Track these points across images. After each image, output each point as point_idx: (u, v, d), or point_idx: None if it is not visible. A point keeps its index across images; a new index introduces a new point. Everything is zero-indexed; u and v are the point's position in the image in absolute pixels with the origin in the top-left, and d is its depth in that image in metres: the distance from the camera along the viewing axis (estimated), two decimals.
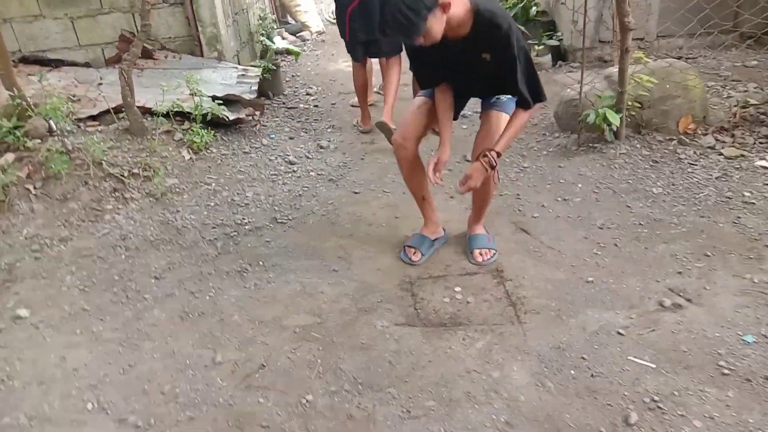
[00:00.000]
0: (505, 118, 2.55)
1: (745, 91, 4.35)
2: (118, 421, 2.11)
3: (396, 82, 4.46)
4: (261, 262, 2.96)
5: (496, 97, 2.65)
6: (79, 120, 4.26)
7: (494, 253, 2.89)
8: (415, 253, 2.93)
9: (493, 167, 2.54)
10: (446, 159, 2.67)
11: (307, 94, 5.78)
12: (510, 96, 2.59)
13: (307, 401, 2.14)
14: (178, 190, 3.71)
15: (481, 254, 2.88)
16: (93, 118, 4.35)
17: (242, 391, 2.20)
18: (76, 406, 2.18)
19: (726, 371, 2.14)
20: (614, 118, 3.60)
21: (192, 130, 4.13)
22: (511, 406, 2.06)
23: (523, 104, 2.48)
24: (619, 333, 2.35)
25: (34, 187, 3.56)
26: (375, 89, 5.36)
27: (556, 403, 2.06)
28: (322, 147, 4.42)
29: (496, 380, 2.17)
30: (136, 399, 2.20)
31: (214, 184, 3.79)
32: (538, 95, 2.46)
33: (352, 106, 5.21)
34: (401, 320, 2.51)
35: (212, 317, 2.60)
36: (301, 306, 2.63)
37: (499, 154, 2.51)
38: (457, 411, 2.06)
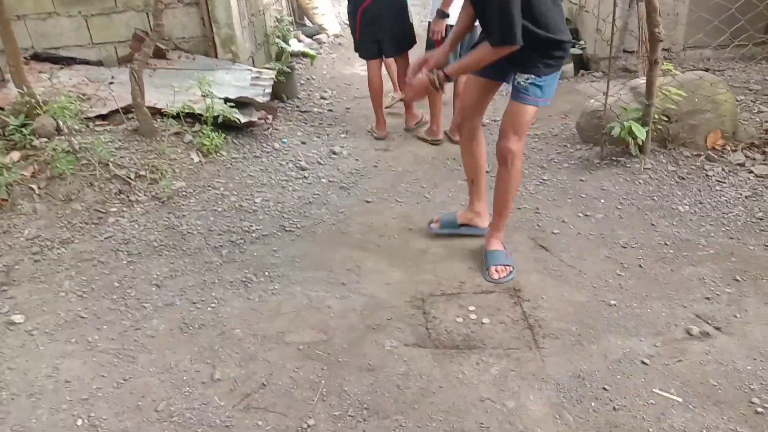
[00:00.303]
0: (522, 108, 2.57)
1: None
2: None
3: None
4: (267, 272, 2.84)
5: (518, 82, 2.55)
6: (88, 119, 4.18)
7: (511, 270, 2.75)
8: (436, 221, 3.11)
9: (435, 86, 2.55)
10: (439, 60, 2.64)
11: (322, 98, 5.67)
12: (532, 83, 2.51)
13: (308, 426, 2.01)
14: (185, 193, 3.60)
15: (497, 271, 2.74)
16: (102, 117, 4.27)
17: (240, 412, 2.08)
18: (65, 421, 2.07)
19: (760, 410, 1.98)
20: (640, 132, 3.45)
21: (202, 133, 4.04)
22: None
23: (489, 38, 2.38)
24: (643, 362, 2.20)
25: (39, 187, 3.47)
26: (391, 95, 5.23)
27: None
28: (334, 153, 4.30)
29: (512, 410, 2.03)
30: (129, 416, 2.08)
31: (222, 189, 3.68)
32: (509, 37, 2.31)
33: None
34: (411, 340, 2.37)
35: (213, 330, 2.48)
36: (307, 321, 2.51)
37: (447, 77, 2.53)
38: None
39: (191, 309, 2.61)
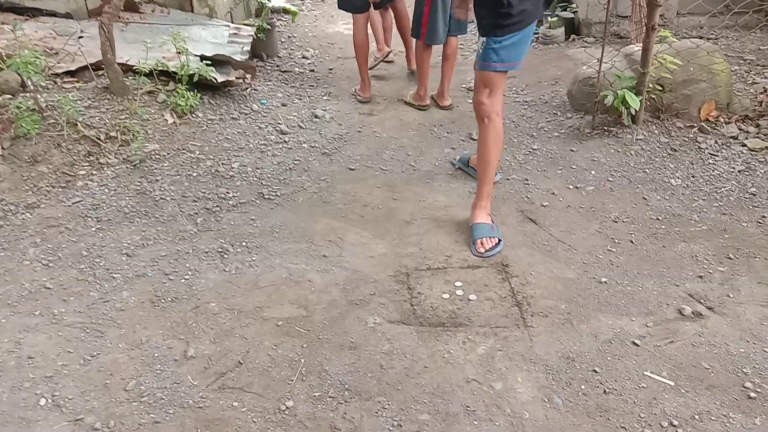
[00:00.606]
0: (482, 74, 2.59)
1: None
2: (74, 421, 1.88)
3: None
4: (244, 243, 2.71)
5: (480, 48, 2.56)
6: (56, 75, 3.94)
7: (498, 242, 2.65)
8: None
9: None
10: None
11: (303, 57, 5.45)
12: (487, 47, 2.51)
13: (286, 407, 1.91)
14: (158, 156, 3.42)
15: (482, 243, 2.64)
16: (71, 74, 4.03)
17: (215, 392, 1.97)
18: (27, 400, 1.95)
19: (752, 394, 1.93)
20: (634, 101, 3.33)
21: (177, 92, 3.83)
22: (514, 425, 1.85)
23: None
24: (634, 343, 2.13)
25: (2, 147, 3.26)
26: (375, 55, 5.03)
27: (564, 423, 1.85)
28: (316, 116, 4.12)
29: (499, 393, 1.95)
30: (96, 395, 1.97)
31: (197, 152, 3.50)
32: None
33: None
34: (395, 317, 2.27)
35: (187, 303, 2.36)
36: (286, 295, 2.39)
37: None
38: (453, 427, 1.84)
39: (164, 281, 2.48)
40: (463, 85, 4.68)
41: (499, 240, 2.67)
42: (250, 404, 1.93)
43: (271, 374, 2.03)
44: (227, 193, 3.11)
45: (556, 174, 3.29)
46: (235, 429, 1.85)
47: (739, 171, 3.19)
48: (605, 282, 2.43)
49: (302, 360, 2.09)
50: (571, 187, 3.15)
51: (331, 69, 5.20)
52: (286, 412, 1.89)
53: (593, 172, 3.26)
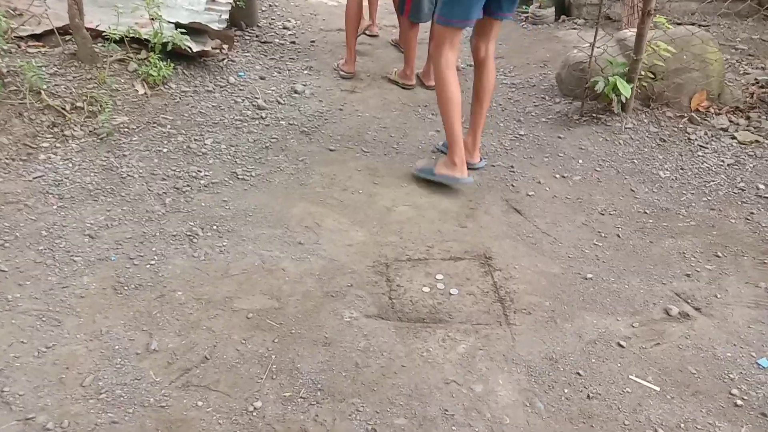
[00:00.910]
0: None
1: (764, 68, 4.00)
2: (24, 420, 1.75)
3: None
4: (215, 226, 2.57)
5: None
6: (19, 39, 3.71)
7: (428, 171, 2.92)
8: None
9: None
10: None
11: (284, 27, 5.23)
12: None
13: (254, 408, 1.80)
14: (127, 130, 3.24)
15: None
16: (35, 38, 3.79)
17: (178, 390, 1.85)
18: None
19: (739, 402, 1.86)
20: (625, 89, 3.22)
21: (149, 61, 3.62)
22: (494, 430, 1.76)
23: None
24: (619, 345, 2.05)
25: None
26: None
27: (546, 430, 1.77)
28: (296, 92, 3.95)
29: (479, 396, 1.86)
30: (50, 391, 1.83)
31: (169, 126, 3.32)
32: None
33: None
34: (373, 311, 2.17)
35: (151, 291, 2.22)
36: (258, 285, 2.27)
37: None
38: None
39: (128, 266, 2.34)
40: None
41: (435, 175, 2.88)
42: (216, 404, 1.81)
43: (239, 371, 1.92)
44: (199, 171, 2.95)
45: (542, 162, 3.18)
46: (198, 431, 1.73)
47: (728, 164, 3.12)
48: (591, 278, 2.35)
49: (273, 356, 1.97)
50: (557, 176, 3.05)
51: (313, 41, 5.01)
52: (254, 414, 1.78)
53: (581, 161, 3.17)
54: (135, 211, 2.65)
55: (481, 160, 3.04)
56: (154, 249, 2.43)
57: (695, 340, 2.09)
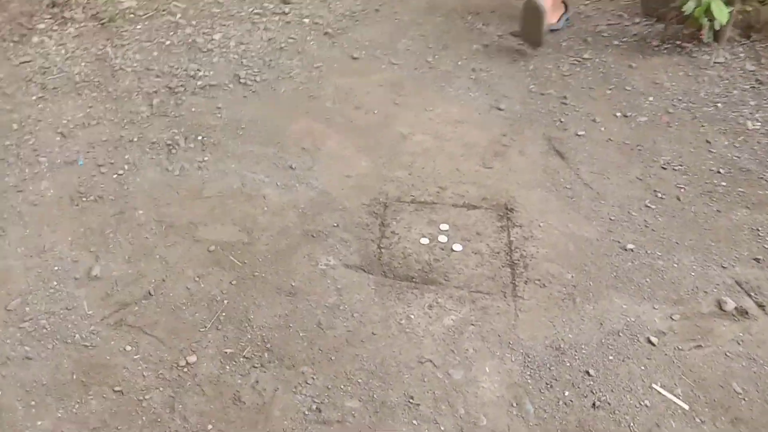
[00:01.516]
0: None
1: None
2: None
3: None
4: (200, 137, 2.24)
5: None
6: None
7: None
8: None
9: None
10: None
11: None
12: None
13: (187, 363, 1.53)
14: (132, 16, 2.89)
15: None
16: None
17: (109, 329, 1.60)
18: None
19: None
20: (721, 13, 2.57)
21: None
22: (464, 431, 1.43)
23: None
24: (649, 341, 1.64)
25: None
26: None
27: None
28: None
29: (456, 384, 1.52)
30: None
31: (179, 16, 2.95)
32: None
33: None
34: (354, 260, 1.82)
35: (111, 206, 1.95)
36: (231, 212, 1.95)
37: None
38: (384, 424, 1.43)
39: (93, 173, 2.07)
40: None
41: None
42: (146, 351, 1.55)
43: (182, 315, 1.64)
44: (198, 70, 2.59)
45: (604, 95, 2.63)
46: (117, 381, 1.48)
47: None
48: (631, 250, 1.90)
49: (225, 301, 1.68)
50: (618, 114, 2.51)
51: None
52: (185, 370, 1.52)
53: (651, 99, 2.60)
54: (118, 111, 2.35)
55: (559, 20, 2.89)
56: (127, 157, 2.14)
57: (750, 347, 1.64)
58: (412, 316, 1.67)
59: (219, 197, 2.00)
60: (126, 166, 2.09)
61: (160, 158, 2.14)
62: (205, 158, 2.15)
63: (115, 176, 2.05)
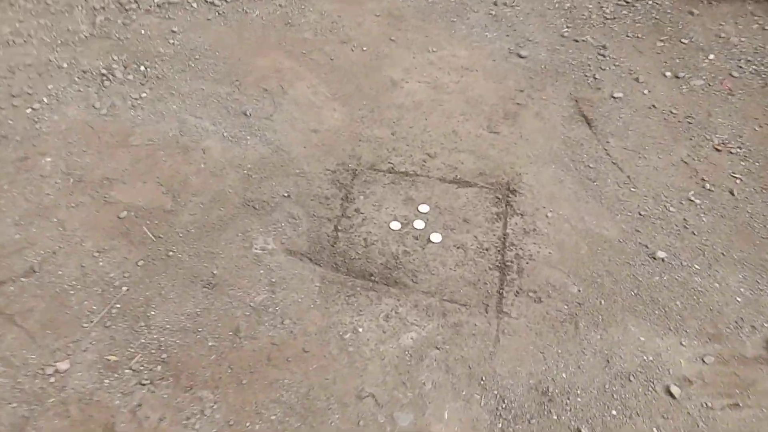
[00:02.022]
0: None
1: None
2: None
3: None
4: (143, 66, 1.85)
5: None
6: None
7: None
8: None
9: None
10: None
11: None
12: None
13: (55, 371, 1.19)
14: None
15: None
16: None
17: None
18: None
19: None
20: None
21: None
22: None
23: None
24: (668, 392, 1.24)
25: None
26: None
27: None
28: None
29: None
30: None
31: None
32: None
33: None
34: (301, 245, 1.43)
35: (15, 149, 1.61)
36: (159, 167, 1.56)
37: None
38: None
39: (3, 105, 1.71)
40: None
41: None
42: (8, 349, 1.21)
43: (67, 302, 1.29)
44: None
45: (653, 47, 2.11)
46: None
47: None
48: (662, 259, 1.46)
49: (124, 288, 1.32)
50: (668, 74, 2.01)
51: None
52: (52, 380, 1.18)
53: (711, 57, 2.07)
54: (53, 29, 1.94)
55: None
56: (50, 87, 1.75)
57: None
58: (361, 330, 1.28)
59: (148, 147, 1.60)
60: (45, 99, 1.70)
61: (89, 91, 1.73)
62: (143, 94, 1.74)
63: (28, 111, 1.67)
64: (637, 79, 1.99)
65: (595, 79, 1.98)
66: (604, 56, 2.07)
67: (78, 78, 1.78)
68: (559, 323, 1.33)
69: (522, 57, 2.02)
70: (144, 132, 1.65)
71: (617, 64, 2.05)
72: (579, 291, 1.39)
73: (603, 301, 1.37)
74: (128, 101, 1.72)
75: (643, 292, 1.40)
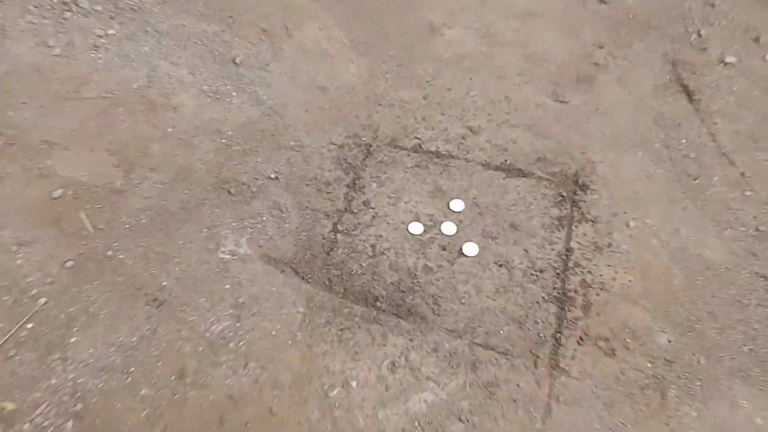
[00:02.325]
0: None
1: None
2: None
3: None
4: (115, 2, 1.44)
5: None
6: None
7: None
8: None
9: None
10: None
11: None
12: None
13: None
14: None
15: None
16: None
17: None
18: None
19: None
20: None
21: None
22: None
23: None
24: None
25: None
26: None
27: None
28: None
29: None
30: None
31: None
32: None
33: None
34: (283, 251, 1.05)
35: None
36: (115, 128, 1.21)
37: None
38: None
39: None
40: None
41: None
42: None
43: None
44: None
45: None
46: None
47: None
48: None
49: (43, 301, 0.97)
50: None
51: None
52: None
53: None
54: None
55: None
56: (21, 23, 1.38)
57: None
58: (355, 384, 0.91)
59: (105, 101, 1.23)
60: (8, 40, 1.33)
61: (44, 24, 1.36)
62: (110, 31, 1.36)
63: None
64: (756, 39, 1.49)
65: (700, 36, 1.50)
66: (713, 5, 1.57)
67: (33, 6, 1.41)
68: (639, 390, 0.93)
69: (604, 2, 1.55)
70: (103, 80, 1.27)
71: (730, 17, 1.55)
72: (669, 342, 0.98)
73: (703, 360, 0.96)
74: (90, 39, 1.35)
75: (760, 348, 0.98)
